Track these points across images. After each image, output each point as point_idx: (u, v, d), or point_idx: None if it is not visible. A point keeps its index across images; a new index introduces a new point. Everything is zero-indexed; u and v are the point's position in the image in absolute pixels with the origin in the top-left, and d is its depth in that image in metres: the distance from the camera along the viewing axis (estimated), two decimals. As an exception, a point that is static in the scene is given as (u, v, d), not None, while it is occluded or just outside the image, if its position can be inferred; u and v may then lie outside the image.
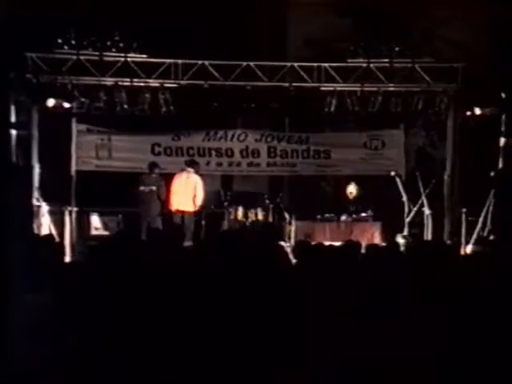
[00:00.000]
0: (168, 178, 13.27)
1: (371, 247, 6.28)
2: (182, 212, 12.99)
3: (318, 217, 13.40)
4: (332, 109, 13.27)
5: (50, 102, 12.80)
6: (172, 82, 13.06)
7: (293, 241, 12.57)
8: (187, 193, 13.00)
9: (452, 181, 13.36)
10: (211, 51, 13.09)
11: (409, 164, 14.22)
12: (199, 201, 13.04)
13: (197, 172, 13.22)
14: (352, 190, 13.62)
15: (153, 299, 4.52)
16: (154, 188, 12.95)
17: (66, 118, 13.29)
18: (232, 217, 13.52)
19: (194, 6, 13.85)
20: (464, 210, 12.67)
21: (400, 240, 12.28)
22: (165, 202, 13.05)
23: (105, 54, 12.81)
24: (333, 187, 15.08)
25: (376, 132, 14.22)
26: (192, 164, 13.29)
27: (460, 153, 13.31)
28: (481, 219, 12.40)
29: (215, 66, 12.99)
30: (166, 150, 13.95)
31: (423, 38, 13.64)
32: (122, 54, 12.86)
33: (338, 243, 7.95)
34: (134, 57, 12.92)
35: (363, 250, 6.36)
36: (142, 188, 12.99)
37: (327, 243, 8.08)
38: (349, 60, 13.24)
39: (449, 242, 11.89)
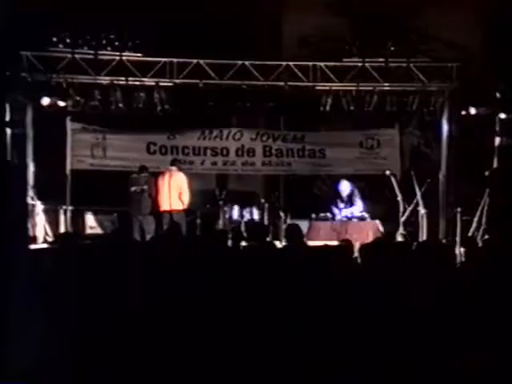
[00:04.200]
0: (157, 178, 13.23)
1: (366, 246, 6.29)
2: (170, 211, 12.95)
3: (313, 216, 13.38)
4: (327, 108, 13.27)
5: (45, 101, 12.80)
6: (167, 80, 13.04)
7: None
8: (172, 192, 12.92)
9: (447, 180, 13.40)
10: (206, 50, 13.10)
11: (404, 163, 14.29)
12: (186, 198, 12.96)
13: (180, 170, 13.20)
14: (345, 187, 13.62)
15: (149, 297, 4.54)
16: (145, 187, 12.91)
17: (60, 116, 13.30)
18: (227, 216, 13.51)
19: (190, 6, 13.85)
20: (459, 209, 12.67)
21: (399, 238, 12.26)
22: (154, 201, 13.02)
23: (100, 52, 12.81)
24: (328, 186, 15.08)
25: (371, 131, 14.25)
26: (175, 163, 13.25)
27: (455, 152, 13.33)
28: (475, 219, 12.41)
29: (210, 65, 12.98)
30: (161, 149, 13.95)
31: (418, 38, 13.66)
32: (117, 53, 12.86)
33: (333, 242, 7.96)
34: (129, 56, 12.92)
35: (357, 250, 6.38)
36: (133, 188, 12.92)
37: (322, 243, 8.07)
38: (344, 59, 13.25)
39: (444, 241, 11.91)
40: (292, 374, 4.02)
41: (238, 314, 4.34)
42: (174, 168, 13.12)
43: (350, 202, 13.33)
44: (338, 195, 13.41)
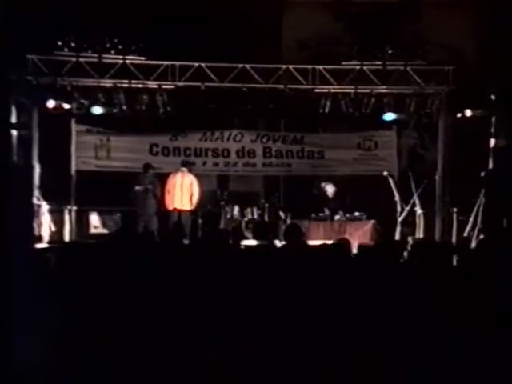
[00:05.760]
0: (163, 178, 13.45)
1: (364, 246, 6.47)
2: (179, 211, 13.21)
3: (313, 216, 13.59)
4: (326, 110, 13.41)
5: (50, 103, 12.97)
6: (169, 83, 13.18)
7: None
8: (184, 192, 13.22)
9: (443, 181, 13.51)
10: (208, 53, 13.22)
11: (401, 164, 14.40)
12: (196, 200, 13.29)
13: (190, 171, 13.43)
14: (329, 189, 13.89)
15: (151, 295, 4.66)
16: (149, 187, 13.10)
17: (65, 118, 13.45)
18: (228, 216, 13.71)
19: (191, 9, 14.02)
20: (455, 209, 12.84)
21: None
22: (160, 200, 13.23)
23: (104, 56, 12.95)
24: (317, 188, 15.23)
25: (369, 133, 14.39)
26: (186, 164, 13.49)
27: (451, 154, 13.46)
28: (471, 219, 12.56)
29: (212, 68, 13.12)
30: (163, 150, 14.11)
31: (415, 42, 13.81)
32: (121, 56, 13.00)
33: (331, 242, 8.15)
34: (132, 59, 13.05)
35: (355, 249, 6.58)
36: (137, 187, 13.13)
37: (321, 242, 8.25)
38: (343, 62, 13.39)
39: (439, 241, 12.09)
40: (293, 373, 4.10)
41: (238, 313, 4.41)
42: (185, 169, 13.36)
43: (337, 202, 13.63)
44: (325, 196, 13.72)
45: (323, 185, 14.05)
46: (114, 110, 13.23)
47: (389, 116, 13.52)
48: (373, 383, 4.10)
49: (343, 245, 6.01)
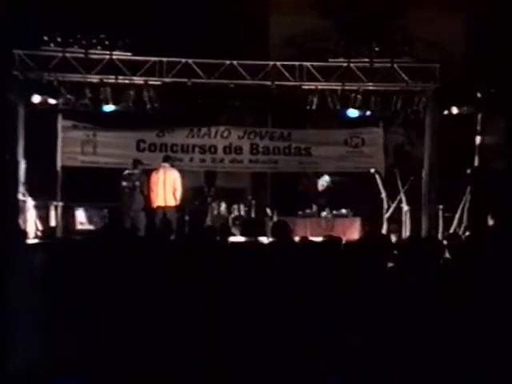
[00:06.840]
0: (149, 174, 13.42)
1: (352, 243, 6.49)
2: (164, 208, 13.18)
3: (300, 213, 13.63)
4: (314, 107, 13.46)
5: (36, 99, 12.94)
6: (156, 79, 13.19)
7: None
8: (168, 188, 13.16)
9: (429, 178, 13.60)
10: (195, 50, 13.25)
11: (388, 161, 14.46)
12: (179, 195, 13.25)
13: (173, 166, 13.42)
14: (320, 181, 13.95)
15: (140, 292, 4.67)
16: (137, 183, 13.08)
17: (51, 114, 13.41)
18: (215, 212, 13.72)
19: (179, 5, 14.02)
20: (441, 206, 12.94)
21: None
22: (147, 197, 13.23)
23: (90, 51, 12.93)
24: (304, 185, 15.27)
25: (356, 130, 14.44)
26: (168, 159, 13.47)
27: (437, 151, 13.57)
28: (457, 215, 12.68)
29: (199, 65, 13.13)
30: (150, 147, 14.11)
31: (402, 39, 13.88)
32: (107, 52, 12.99)
33: (318, 239, 8.18)
34: (119, 54, 13.04)
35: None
36: (124, 183, 13.10)
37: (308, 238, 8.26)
38: (330, 59, 13.44)
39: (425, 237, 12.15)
40: (286, 370, 4.08)
41: (226, 311, 4.39)
42: (166, 165, 13.33)
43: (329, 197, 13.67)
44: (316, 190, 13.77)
45: (320, 177, 14.09)
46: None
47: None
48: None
49: (333, 242, 6.02)
